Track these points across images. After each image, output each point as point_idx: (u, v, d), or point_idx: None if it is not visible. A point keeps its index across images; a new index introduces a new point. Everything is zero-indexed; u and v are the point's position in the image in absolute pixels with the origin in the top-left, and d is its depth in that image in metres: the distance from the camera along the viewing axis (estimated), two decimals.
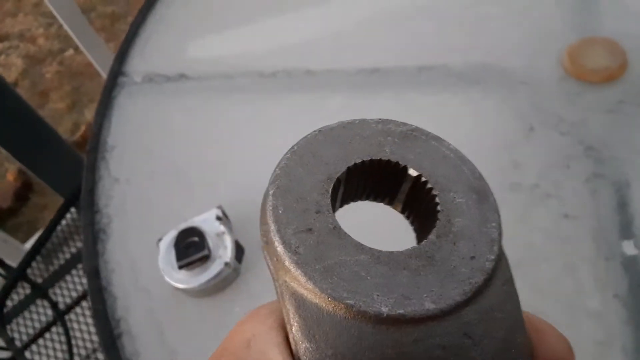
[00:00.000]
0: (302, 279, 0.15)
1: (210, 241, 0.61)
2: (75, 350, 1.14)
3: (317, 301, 0.15)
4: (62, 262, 1.32)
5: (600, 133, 0.62)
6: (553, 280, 0.54)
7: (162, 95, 0.81)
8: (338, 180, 0.17)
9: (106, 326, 0.64)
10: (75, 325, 1.18)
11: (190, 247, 0.60)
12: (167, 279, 0.61)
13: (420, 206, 0.18)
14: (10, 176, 1.91)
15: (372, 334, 0.15)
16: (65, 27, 1.36)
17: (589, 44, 0.68)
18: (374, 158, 0.17)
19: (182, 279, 0.60)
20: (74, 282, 1.24)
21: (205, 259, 0.60)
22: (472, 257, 0.17)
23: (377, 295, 0.15)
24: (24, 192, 1.93)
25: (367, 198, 0.20)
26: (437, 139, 0.19)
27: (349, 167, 0.17)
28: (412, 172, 0.18)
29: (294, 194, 0.17)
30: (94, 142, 0.79)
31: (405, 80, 0.72)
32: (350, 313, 0.14)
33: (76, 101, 2.10)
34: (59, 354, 1.15)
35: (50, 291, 1.24)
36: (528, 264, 0.56)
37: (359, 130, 0.19)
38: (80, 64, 2.15)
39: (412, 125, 0.19)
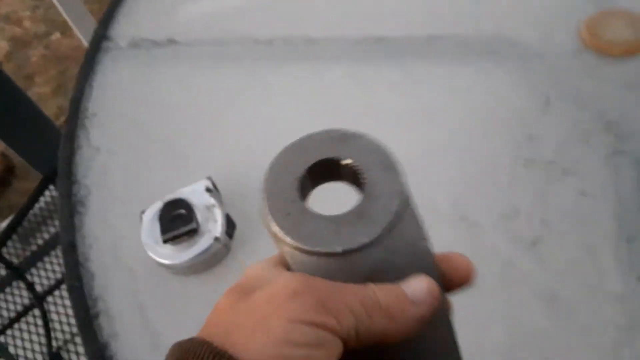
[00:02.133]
0: (290, 242, 0.25)
1: (199, 214, 0.56)
2: (53, 335, 1.08)
3: (300, 252, 0.24)
4: (40, 242, 1.25)
5: (621, 107, 0.58)
6: (571, 261, 0.50)
7: (149, 61, 0.75)
8: (303, 178, 0.27)
9: (82, 305, 0.58)
10: (54, 310, 1.11)
11: (177, 220, 0.55)
12: (150, 254, 0.55)
13: (355, 180, 0.27)
14: None
15: (335, 263, 0.24)
16: (57, 5, 1.30)
17: (608, 17, 0.64)
18: (322, 158, 0.27)
19: (167, 254, 0.55)
20: (52, 264, 1.17)
21: (193, 233, 0.55)
22: (385, 207, 0.25)
23: (333, 242, 0.24)
24: (6, 177, 1.86)
25: (326, 181, 0.28)
26: (362, 136, 0.28)
27: (307, 168, 0.27)
28: (347, 161, 0.27)
29: (277, 193, 0.26)
30: (73, 108, 0.73)
31: (413, 50, 0.67)
32: (320, 255, 0.24)
33: (61, 85, 2.03)
34: (36, 339, 1.09)
35: (28, 274, 1.18)
36: (544, 245, 0.51)
37: (310, 140, 0.29)
38: (66, 48, 2.08)
39: (347, 130, 0.28)
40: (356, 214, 0.25)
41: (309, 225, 0.25)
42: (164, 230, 0.54)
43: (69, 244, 0.62)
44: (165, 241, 0.54)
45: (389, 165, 0.27)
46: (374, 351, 0.22)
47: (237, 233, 0.59)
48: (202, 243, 0.55)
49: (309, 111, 0.66)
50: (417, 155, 0.60)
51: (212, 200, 0.57)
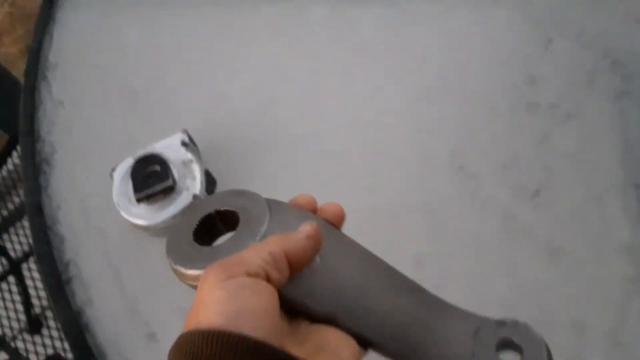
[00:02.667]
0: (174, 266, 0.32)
1: (175, 170, 0.51)
2: (31, 301, 1.04)
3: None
4: (11, 208, 1.19)
5: (627, 46, 0.54)
6: (576, 211, 0.47)
7: (113, 6, 0.69)
8: (200, 222, 0.33)
9: (53, 271, 0.54)
10: (31, 276, 1.06)
11: (151, 177, 0.50)
12: (123, 214, 0.51)
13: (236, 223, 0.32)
14: None
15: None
16: None
17: None
18: (211, 211, 0.33)
19: (141, 215, 0.51)
20: (25, 229, 1.12)
21: (169, 191, 0.50)
22: (247, 241, 0.30)
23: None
24: None
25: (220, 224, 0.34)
26: (242, 192, 0.34)
27: (203, 216, 0.33)
28: (230, 209, 0.33)
29: (177, 230, 0.33)
30: (32, 60, 0.67)
31: None
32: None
33: (30, 45, 1.92)
34: (15, 306, 1.04)
35: (0, 240, 1.12)
36: (547, 194, 0.48)
37: (214, 197, 0.34)
38: (33, 6, 1.95)
39: (237, 189, 0.34)
40: (232, 242, 0.31)
41: (195, 257, 0.31)
42: (137, 189, 0.50)
43: (35, 206, 0.58)
44: (138, 200, 0.50)
45: (261, 210, 0.32)
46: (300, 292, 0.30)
47: (218, 189, 0.55)
48: (180, 201, 0.50)
49: (291, 56, 0.61)
50: (410, 102, 0.56)
51: (189, 155, 0.52)
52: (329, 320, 0.31)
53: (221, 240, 0.32)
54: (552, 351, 0.40)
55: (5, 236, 1.08)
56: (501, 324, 0.33)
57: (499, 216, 0.48)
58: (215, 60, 0.63)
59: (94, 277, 0.54)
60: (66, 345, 0.69)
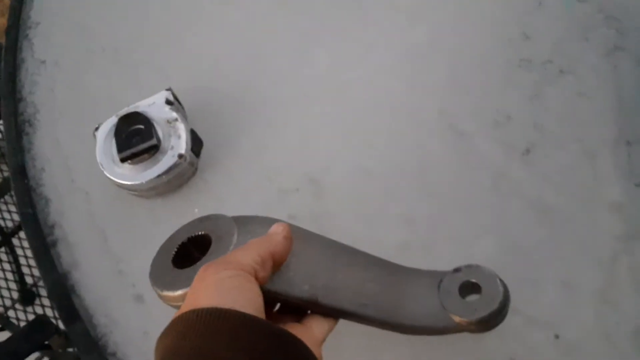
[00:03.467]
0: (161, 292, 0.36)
1: (160, 129, 0.50)
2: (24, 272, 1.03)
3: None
4: (1, 178, 1.17)
5: (622, 0, 0.52)
6: (568, 168, 0.47)
7: None
8: (176, 250, 0.37)
9: (37, 233, 0.54)
10: (23, 246, 1.05)
11: (135, 136, 0.49)
12: (107, 174, 0.50)
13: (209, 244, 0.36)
14: None
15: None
16: None
17: None
18: (184, 239, 0.38)
19: (125, 175, 0.50)
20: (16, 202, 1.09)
21: (154, 150, 0.49)
22: (223, 252, 0.34)
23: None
24: None
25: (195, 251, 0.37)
26: (208, 217, 0.39)
27: (179, 245, 0.38)
28: (200, 233, 0.37)
29: (157, 260, 0.38)
30: (13, 18, 0.65)
31: None
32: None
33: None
34: (8, 276, 1.04)
35: None
36: (538, 152, 0.47)
37: (183, 228, 0.39)
38: None
39: (204, 216, 0.39)
40: (208, 255, 0.35)
41: (172, 279, 0.35)
42: (120, 148, 0.49)
43: (18, 168, 0.57)
44: (122, 160, 0.49)
45: (229, 232, 0.36)
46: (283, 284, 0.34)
47: (205, 152, 0.54)
48: (165, 161, 0.49)
49: (280, 13, 0.59)
50: (398, 59, 0.54)
51: (173, 114, 0.51)
52: (310, 303, 0.36)
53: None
54: (541, 309, 0.41)
55: None
56: (457, 270, 0.36)
57: (489, 174, 0.47)
58: (201, 18, 0.61)
59: (79, 239, 0.53)
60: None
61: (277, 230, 0.35)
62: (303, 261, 0.36)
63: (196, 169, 0.53)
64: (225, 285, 0.29)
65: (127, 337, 0.48)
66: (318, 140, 0.53)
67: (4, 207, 1.05)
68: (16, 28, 0.64)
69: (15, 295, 1.02)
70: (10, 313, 0.98)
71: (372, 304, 0.37)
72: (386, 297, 0.37)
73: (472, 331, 0.35)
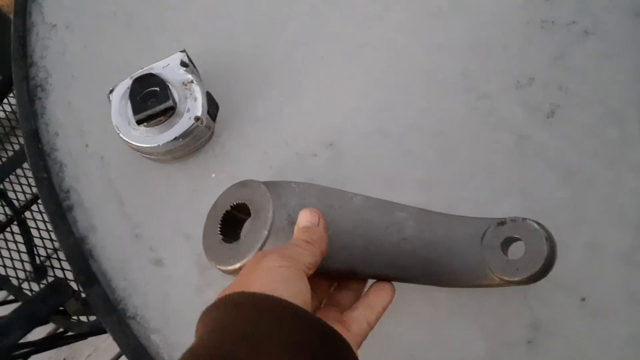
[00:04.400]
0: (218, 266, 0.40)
1: (175, 91, 0.49)
2: (35, 251, 1.02)
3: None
4: (11, 153, 1.16)
5: None
6: (592, 130, 0.46)
7: None
8: (222, 220, 0.41)
9: (53, 198, 0.53)
10: (35, 226, 1.04)
11: (150, 98, 0.48)
12: (123, 137, 0.49)
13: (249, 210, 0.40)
14: None
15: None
16: None
17: None
18: (228, 208, 0.41)
19: (142, 137, 0.49)
20: (28, 178, 1.08)
21: (170, 112, 0.48)
22: (264, 223, 0.38)
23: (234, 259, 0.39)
24: None
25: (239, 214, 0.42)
26: (244, 183, 0.42)
27: (223, 214, 0.41)
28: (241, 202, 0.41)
29: (208, 231, 0.42)
30: None
31: None
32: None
33: None
34: (18, 255, 1.03)
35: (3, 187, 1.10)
36: (563, 112, 0.47)
37: (223, 196, 0.43)
38: None
39: (240, 182, 0.42)
40: (251, 231, 0.39)
41: (221, 252, 0.40)
42: (136, 110, 0.48)
43: (31, 132, 0.56)
44: (139, 122, 0.48)
45: (258, 189, 0.40)
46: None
47: (221, 116, 0.53)
48: (181, 124, 0.49)
49: None
50: (417, 18, 0.53)
51: (188, 76, 0.50)
52: (350, 272, 0.37)
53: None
54: (566, 271, 0.41)
55: (6, 184, 1.05)
56: (502, 223, 0.36)
57: (511, 136, 0.46)
58: None
59: (96, 203, 0.53)
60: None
61: (314, 220, 0.36)
62: (338, 233, 0.37)
63: (212, 132, 0.52)
64: (279, 275, 0.31)
65: (146, 300, 0.48)
66: (335, 103, 0.52)
67: (15, 185, 1.04)
68: None
69: (27, 271, 1.02)
70: (24, 288, 0.98)
71: (411, 265, 0.37)
72: (426, 255, 0.37)
73: (514, 285, 0.35)
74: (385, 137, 0.50)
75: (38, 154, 0.55)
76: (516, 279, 0.34)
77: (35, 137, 0.56)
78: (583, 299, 0.41)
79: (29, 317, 0.50)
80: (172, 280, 0.48)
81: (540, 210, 0.44)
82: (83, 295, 0.58)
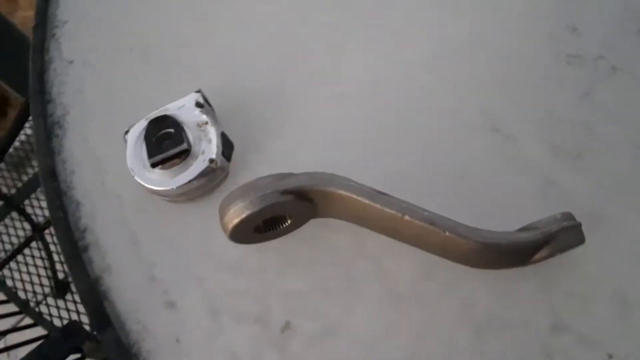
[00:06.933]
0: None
1: (190, 133, 0.49)
2: (58, 267, 1.04)
3: None
4: (32, 172, 1.18)
5: None
6: (623, 174, 0.44)
7: None
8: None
9: (69, 238, 0.53)
10: (55, 241, 1.06)
11: (165, 140, 0.48)
12: (138, 179, 0.49)
13: None
14: None
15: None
16: None
17: None
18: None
19: (157, 180, 0.48)
20: None
21: (185, 154, 0.48)
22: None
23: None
24: (1, 107, 1.78)
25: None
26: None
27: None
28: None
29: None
30: (40, 16, 0.64)
31: None
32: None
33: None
34: (36, 272, 1.05)
35: (26, 206, 1.12)
36: (590, 154, 0.45)
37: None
38: None
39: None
40: None
41: None
42: (151, 154, 0.47)
43: (48, 170, 0.56)
44: (153, 165, 0.47)
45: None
46: None
47: (235, 155, 0.52)
48: (196, 166, 0.48)
49: (314, 9, 0.57)
50: (437, 54, 0.52)
51: (204, 117, 0.50)
52: None
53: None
54: (593, 325, 0.39)
55: (27, 202, 1.07)
56: None
57: (538, 181, 0.44)
58: (232, 15, 0.59)
59: (111, 243, 0.52)
60: None
61: None
62: None
63: (227, 172, 0.51)
64: None
65: (158, 344, 0.47)
66: (352, 142, 0.51)
67: (35, 203, 1.06)
68: (43, 27, 0.63)
69: (47, 289, 1.04)
70: (42, 307, 0.99)
71: None
72: None
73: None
74: (401, 178, 0.48)
75: (55, 193, 0.55)
76: None
77: (52, 174, 0.55)
78: (610, 356, 0.39)
79: None
80: (184, 324, 0.47)
81: (565, 261, 0.42)
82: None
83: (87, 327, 0.60)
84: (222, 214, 0.42)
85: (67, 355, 0.50)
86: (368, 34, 0.54)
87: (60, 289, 1.04)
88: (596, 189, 0.43)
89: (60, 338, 0.52)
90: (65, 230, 0.53)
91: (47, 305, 1.00)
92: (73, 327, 0.52)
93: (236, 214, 0.41)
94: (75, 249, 0.52)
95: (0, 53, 1.27)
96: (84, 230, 0.53)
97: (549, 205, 0.43)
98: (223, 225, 0.42)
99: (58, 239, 0.53)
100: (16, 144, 1.27)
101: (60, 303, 1.00)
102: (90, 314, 0.50)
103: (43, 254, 1.03)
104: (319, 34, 0.56)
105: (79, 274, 0.51)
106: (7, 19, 1.26)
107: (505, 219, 0.44)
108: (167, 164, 0.48)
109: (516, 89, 0.48)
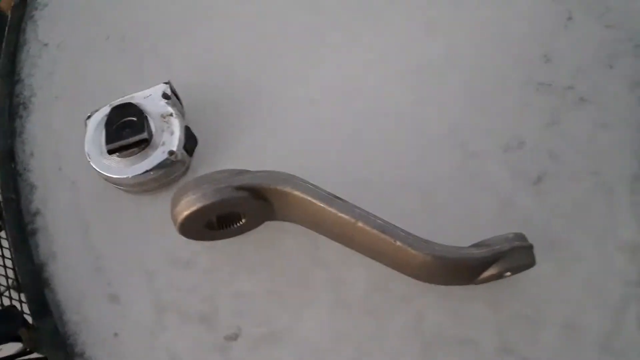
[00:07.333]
0: None
1: (153, 123, 0.48)
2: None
3: None
4: None
5: None
6: (580, 202, 0.43)
7: None
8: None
9: (18, 221, 0.51)
10: None
11: (126, 128, 0.47)
12: (93, 165, 0.48)
13: None
14: None
15: None
16: None
17: None
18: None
19: (113, 168, 0.47)
20: None
21: (144, 144, 0.47)
22: None
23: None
24: None
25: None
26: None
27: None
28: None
29: None
30: None
31: None
32: None
33: None
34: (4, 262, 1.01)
35: None
36: (552, 180, 0.44)
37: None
38: None
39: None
40: None
41: None
42: (109, 140, 0.46)
43: (7, 151, 0.54)
44: (110, 152, 0.46)
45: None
46: None
47: (199, 151, 0.51)
48: (154, 157, 0.47)
49: (293, 14, 0.57)
50: (411, 70, 0.52)
51: (169, 109, 0.49)
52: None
53: None
54: (539, 350, 0.38)
55: None
56: None
57: (496, 200, 0.44)
58: (212, 12, 0.59)
59: (60, 230, 0.51)
60: None
61: None
62: None
63: (188, 167, 0.50)
64: None
65: (96, 337, 0.46)
66: (318, 148, 0.50)
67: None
68: (23, 8, 0.63)
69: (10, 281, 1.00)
70: (4, 299, 0.95)
71: None
72: None
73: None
74: (365, 187, 0.47)
75: (10, 174, 0.53)
76: None
77: (10, 155, 0.54)
78: None
79: None
80: (125, 319, 0.45)
81: (518, 282, 0.41)
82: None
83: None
84: (173, 204, 0.41)
85: (3, 341, 0.48)
86: (344, 44, 0.54)
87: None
88: (553, 214, 0.43)
89: None
90: (15, 212, 0.51)
91: (10, 298, 0.97)
92: (9, 312, 0.50)
93: (187, 206, 0.40)
94: (23, 232, 0.51)
95: None
96: (35, 214, 0.52)
97: (505, 225, 0.42)
98: (173, 217, 0.41)
99: (7, 220, 0.51)
100: None
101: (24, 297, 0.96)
102: (29, 300, 0.48)
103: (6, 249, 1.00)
104: (296, 38, 0.56)
105: (23, 258, 0.49)
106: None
107: (460, 235, 0.43)
108: (124, 152, 0.46)
109: (485, 110, 0.48)
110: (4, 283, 0.98)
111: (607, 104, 0.47)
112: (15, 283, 0.98)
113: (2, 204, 0.52)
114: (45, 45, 0.60)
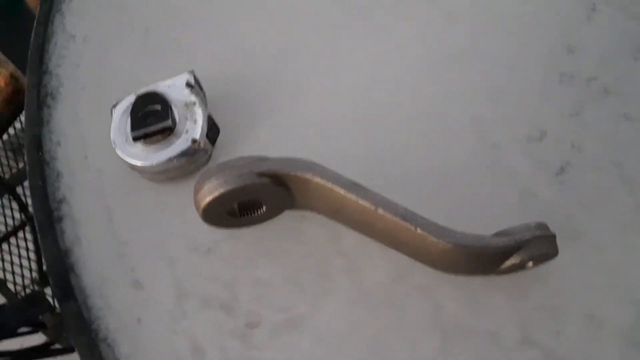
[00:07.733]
0: None
1: (177, 112, 0.49)
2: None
3: None
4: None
5: None
6: (603, 194, 0.43)
7: None
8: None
9: (45, 207, 0.52)
10: None
11: (150, 116, 0.48)
12: (119, 153, 0.48)
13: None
14: (1, 81, 1.75)
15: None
16: None
17: None
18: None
19: (137, 155, 0.48)
20: None
21: (168, 131, 0.47)
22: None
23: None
24: (15, 98, 1.79)
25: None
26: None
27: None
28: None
29: None
30: None
31: None
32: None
33: None
34: (25, 263, 1.03)
35: (20, 191, 1.11)
36: (573, 171, 0.44)
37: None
38: None
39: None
40: None
41: None
42: (134, 127, 0.47)
43: (34, 139, 0.56)
44: (135, 139, 0.47)
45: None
46: None
47: (221, 141, 0.52)
48: (178, 145, 0.48)
49: (316, 5, 0.57)
50: (433, 59, 0.52)
51: (192, 98, 0.49)
52: None
53: None
54: (561, 342, 0.38)
55: (20, 189, 1.05)
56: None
57: (516, 190, 0.44)
58: (235, 3, 0.59)
59: (85, 217, 0.52)
60: None
61: None
62: None
63: (210, 156, 0.51)
64: None
65: (120, 322, 0.46)
66: (337, 139, 0.50)
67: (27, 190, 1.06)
68: (51, 1, 0.64)
69: (33, 276, 1.02)
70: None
71: None
72: None
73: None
74: (384, 178, 0.47)
75: (37, 161, 0.54)
76: None
77: (37, 144, 0.55)
78: None
79: None
80: (148, 304, 0.46)
81: (539, 272, 0.41)
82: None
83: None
84: (197, 190, 0.42)
85: (24, 324, 0.49)
86: (366, 33, 0.54)
87: (45, 279, 1.03)
88: (575, 205, 0.43)
89: (21, 305, 0.51)
90: (42, 199, 0.53)
91: (34, 291, 0.99)
92: (35, 296, 0.51)
93: (209, 191, 0.40)
94: (50, 218, 0.52)
95: (11, 32, 1.27)
96: (61, 201, 0.53)
97: (527, 216, 0.42)
98: (196, 202, 0.42)
99: (34, 207, 0.53)
100: (18, 127, 1.27)
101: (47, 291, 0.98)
102: (54, 284, 0.49)
103: (31, 243, 1.02)
104: (317, 29, 0.56)
105: (49, 244, 0.50)
106: (31, 8, 1.27)
107: (481, 224, 0.43)
108: (149, 140, 0.47)
109: (506, 101, 0.48)
110: (29, 276, 1.01)
111: (631, 95, 0.46)
112: (39, 277, 1.00)
113: (30, 191, 0.53)
114: (72, 37, 0.61)
